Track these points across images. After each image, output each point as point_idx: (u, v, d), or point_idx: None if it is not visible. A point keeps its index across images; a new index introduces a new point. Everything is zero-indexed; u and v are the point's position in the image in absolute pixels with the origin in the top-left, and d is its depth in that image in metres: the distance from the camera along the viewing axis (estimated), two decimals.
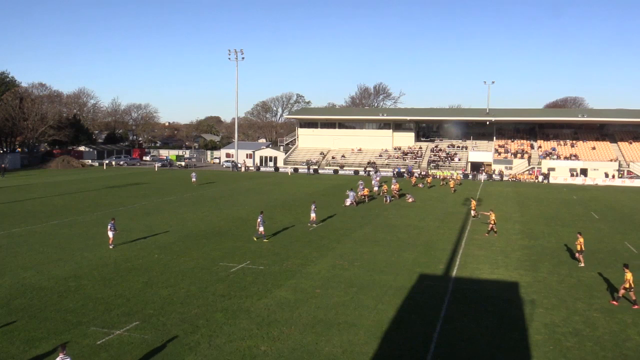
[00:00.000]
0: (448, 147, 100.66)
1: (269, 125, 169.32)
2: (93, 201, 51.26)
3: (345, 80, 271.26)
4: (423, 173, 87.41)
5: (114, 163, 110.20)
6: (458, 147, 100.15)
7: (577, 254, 28.57)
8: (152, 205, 48.72)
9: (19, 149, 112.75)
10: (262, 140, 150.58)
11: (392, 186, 57.61)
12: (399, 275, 25.78)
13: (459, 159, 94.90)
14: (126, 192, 58.75)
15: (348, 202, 49.22)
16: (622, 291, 21.75)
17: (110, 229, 30.46)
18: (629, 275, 21.51)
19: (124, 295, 22.14)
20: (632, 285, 21.49)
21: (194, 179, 70.15)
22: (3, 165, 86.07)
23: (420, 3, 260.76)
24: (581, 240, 28.33)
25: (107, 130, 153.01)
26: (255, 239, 33.01)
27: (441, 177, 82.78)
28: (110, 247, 30.38)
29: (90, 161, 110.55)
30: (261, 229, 32.86)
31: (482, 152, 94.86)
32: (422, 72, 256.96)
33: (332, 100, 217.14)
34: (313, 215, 38.75)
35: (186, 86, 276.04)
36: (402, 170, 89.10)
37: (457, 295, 22.82)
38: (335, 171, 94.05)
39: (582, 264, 28.03)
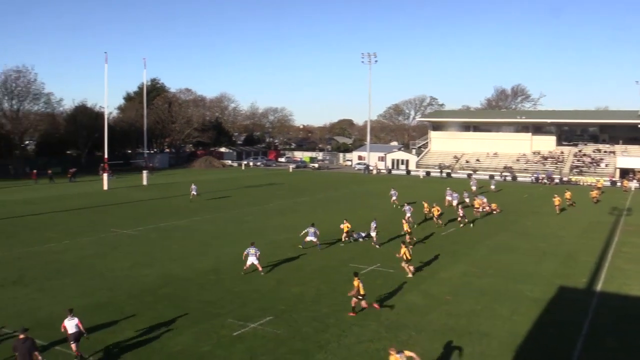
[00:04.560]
0: (593, 151, 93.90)
1: (401, 128, 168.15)
2: (231, 200, 54.07)
3: (480, 82, 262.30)
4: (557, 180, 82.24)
5: (251, 164, 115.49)
6: (605, 152, 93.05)
7: (403, 264, 25.65)
8: (286, 205, 50.40)
9: (168, 150, 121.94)
10: (394, 143, 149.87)
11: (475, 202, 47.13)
12: (536, 285, 24.44)
13: (606, 165, 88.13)
14: (262, 192, 61.22)
15: (461, 212, 44.76)
16: (354, 300, 20.14)
17: (255, 254, 25.41)
18: (356, 283, 19.97)
19: (259, 290, 23.06)
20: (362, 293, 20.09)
21: (193, 192, 53.45)
22: (151, 165, 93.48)
23: (560, 1, 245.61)
24: (404, 250, 25.37)
25: (245, 132, 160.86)
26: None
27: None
28: (261, 273, 25.47)
29: (230, 161, 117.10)
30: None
31: (632, 157, 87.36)
32: (564, 72, 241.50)
33: (467, 103, 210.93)
34: (373, 234, 32.87)
35: (320, 90, 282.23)
36: (542, 176, 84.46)
37: (602, 311, 21.19)
38: (469, 175, 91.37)
39: (410, 275, 25.37)
